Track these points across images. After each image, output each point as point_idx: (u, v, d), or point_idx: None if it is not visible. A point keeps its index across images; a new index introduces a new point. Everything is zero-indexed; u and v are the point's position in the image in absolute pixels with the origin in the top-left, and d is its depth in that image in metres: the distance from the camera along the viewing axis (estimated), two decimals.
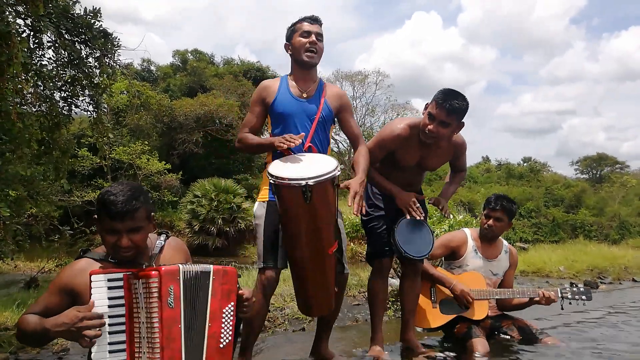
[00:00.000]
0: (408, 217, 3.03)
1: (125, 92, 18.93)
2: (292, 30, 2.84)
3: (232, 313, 1.93)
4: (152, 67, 28.41)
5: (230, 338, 1.92)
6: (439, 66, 71.76)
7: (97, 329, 1.74)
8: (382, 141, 3.04)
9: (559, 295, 3.38)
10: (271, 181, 2.42)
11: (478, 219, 7.34)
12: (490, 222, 3.46)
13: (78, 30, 6.03)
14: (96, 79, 6.36)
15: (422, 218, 3.04)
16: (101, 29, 6.15)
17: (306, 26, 2.79)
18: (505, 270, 3.62)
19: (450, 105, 2.80)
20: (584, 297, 3.39)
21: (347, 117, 2.94)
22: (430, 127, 2.86)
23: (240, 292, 2.00)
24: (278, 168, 2.49)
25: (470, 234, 3.60)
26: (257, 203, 2.85)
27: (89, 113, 6.77)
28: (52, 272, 8.24)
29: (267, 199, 2.75)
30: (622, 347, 3.44)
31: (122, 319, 1.81)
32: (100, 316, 1.76)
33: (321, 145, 2.82)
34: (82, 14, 5.97)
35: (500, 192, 3.76)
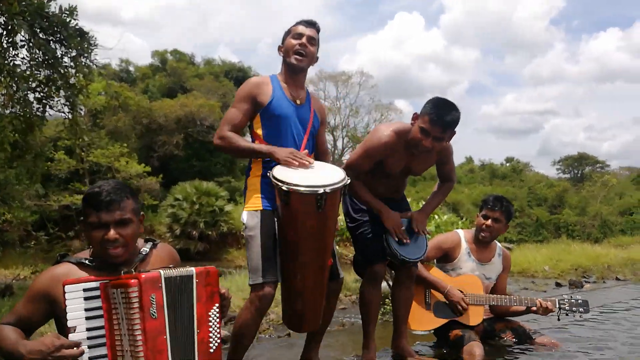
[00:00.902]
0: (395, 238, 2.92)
1: (103, 93, 18.58)
2: (286, 33, 2.74)
3: (217, 315, 1.84)
4: (131, 68, 28.07)
5: (218, 341, 1.84)
6: (422, 67, 72.07)
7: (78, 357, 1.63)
8: (369, 150, 2.91)
9: (557, 306, 3.33)
10: (284, 188, 2.28)
11: (464, 219, 7.28)
12: (489, 222, 3.38)
13: (53, 29, 5.84)
14: (72, 79, 6.17)
15: (408, 242, 2.92)
16: (77, 27, 5.96)
17: (300, 28, 2.69)
18: (499, 274, 3.54)
19: (445, 122, 2.72)
20: (581, 309, 3.35)
21: (323, 131, 2.92)
22: (425, 142, 2.75)
23: (222, 291, 1.91)
24: (287, 174, 2.36)
25: (464, 236, 3.51)
26: (246, 213, 2.63)
27: (64, 114, 6.57)
28: (27, 279, 8.00)
29: (261, 208, 2.57)
30: (613, 346, 3.45)
31: (102, 332, 1.69)
32: (79, 344, 1.64)
33: (311, 154, 2.69)
34: (57, 12, 5.78)
35: (489, 193, 3.68)
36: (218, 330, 1.84)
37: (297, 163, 2.43)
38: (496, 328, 3.47)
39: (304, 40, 2.65)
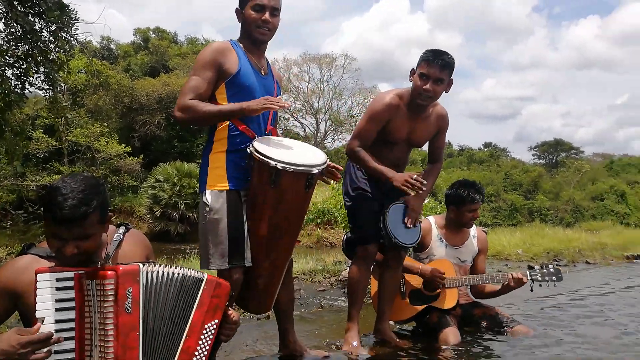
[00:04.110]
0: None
1: (83, 70, 18.20)
2: None
3: (213, 331, 1.76)
4: (112, 46, 27.42)
5: (204, 359, 1.75)
6: (406, 50, 72.61)
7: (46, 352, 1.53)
8: (374, 114, 2.96)
9: (529, 277, 3.34)
10: (279, 166, 2.19)
11: (442, 204, 7.42)
12: (477, 213, 3.44)
13: (31, 1, 5.71)
14: (52, 54, 6.06)
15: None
16: (56, 0, 5.83)
17: None
18: (474, 256, 3.58)
19: (443, 61, 2.81)
20: (554, 277, 3.36)
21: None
22: (426, 86, 2.83)
23: (229, 312, 1.84)
24: (272, 151, 2.25)
25: (434, 222, 3.54)
26: (209, 192, 2.38)
27: (44, 92, 6.48)
28: (2, 260, 7.89)
29: (227, 188, 2.37)
30: (588, 332, 3.51)
31: (72, 324, 1.60)
32: (49, 337, 1.52)
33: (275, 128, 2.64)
34: None
35: (462, 178, 3.70)
36: (208, 347, 1.76)
37: (276, 107, 2.29)
38: (474, 314, 3.48)
39: (267, 15, 2.40)
